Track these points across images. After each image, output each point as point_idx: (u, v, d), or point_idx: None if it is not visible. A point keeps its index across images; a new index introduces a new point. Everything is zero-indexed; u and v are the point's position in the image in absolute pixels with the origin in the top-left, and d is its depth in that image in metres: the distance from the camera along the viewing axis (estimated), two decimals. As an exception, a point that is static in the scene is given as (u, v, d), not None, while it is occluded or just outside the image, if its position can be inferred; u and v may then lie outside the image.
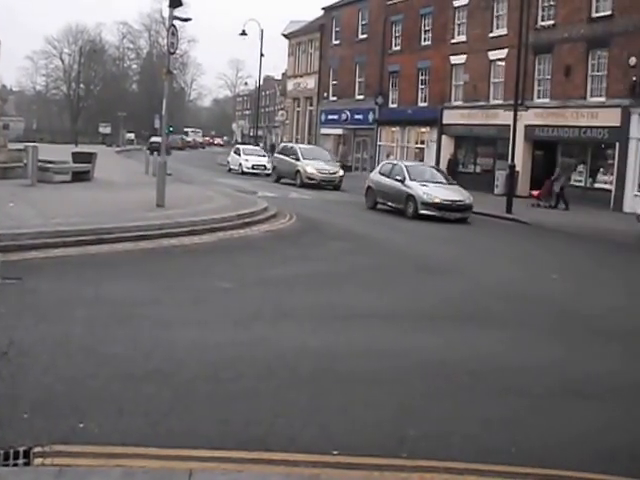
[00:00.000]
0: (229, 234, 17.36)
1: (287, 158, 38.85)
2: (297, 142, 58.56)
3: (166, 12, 22.64)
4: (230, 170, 47.54)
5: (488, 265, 16.29)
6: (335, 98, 57.17)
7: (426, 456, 5.52)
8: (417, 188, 24.93)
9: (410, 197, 24.88)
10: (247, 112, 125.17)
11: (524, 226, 25.26)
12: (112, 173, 31.78)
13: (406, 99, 47.80)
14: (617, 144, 32.31)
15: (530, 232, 23.84)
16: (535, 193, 32.90)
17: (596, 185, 34.21)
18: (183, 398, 6.31)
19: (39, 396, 6.10)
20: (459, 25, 43.20)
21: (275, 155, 42.43)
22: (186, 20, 26.64)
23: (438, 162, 41.71)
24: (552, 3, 36.31)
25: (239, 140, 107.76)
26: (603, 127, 32.80)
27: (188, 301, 10.32)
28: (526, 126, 35.88)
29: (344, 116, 54.50)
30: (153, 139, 65.39)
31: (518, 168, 33.47)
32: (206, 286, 11.50)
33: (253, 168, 45.55)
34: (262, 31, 58.14)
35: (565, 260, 18.20)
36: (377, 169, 29.33)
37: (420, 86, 46.79)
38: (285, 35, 68.02)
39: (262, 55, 59.12)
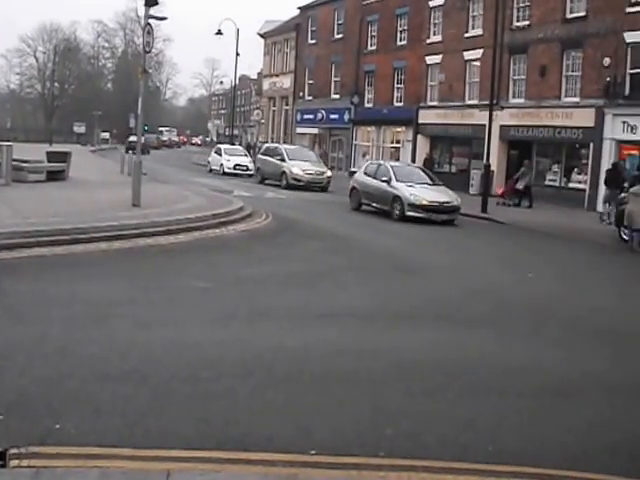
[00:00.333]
0: (205, 233, 17.30)
1: (272, 159, 38.10)
2: (272, 141, 58.49)
3: (141, 11, 22.66)
4: (211, 171, 46.75)
5: (467, 265, 16.33)
6: (311, 97, 57.19)
7: (404, 455, 5.53)
8: (404, 189, 24.53)
9: (396, 198, 24.51)
10: (222, 111, 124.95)
11: (501, 226, 25.36)
12: (87, 172, 31.62)
13: (382, 99, 47.90)
14: (591, 144, 32.58)
15: (507, 232, 23.93)
16: (500, 191, 33.15)
17: (570, 185, 34.45)
18: (160, 398, 6.29)
19: (15, 397, 6.05)
20: (435, 25, 43.35)
21: (259, 156, 41.49)
22: (162, 19, 26.59)
23: (414, 162, 41.73)
24: (527, 4, 36.53)
25: (214, 139, 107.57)
26: (577, 127, 33.06)
27: (164, 301, 10.29)
28: (501, 126, 36.08)
29: (320, 116, 54.51)
30: (132, 138, 65.08)
31: (493, 168, 33.61)
32: (182, 286, 11.46)
33: (235, 168, 44.81)
34: (238, 30, 58.07)
35: (544, 260, 18.27)
36: (361, 169, 28.89)
37: (396, 86, 46.92)
38: (261, 34, 67.94)
39: (238, 54, 58.99)
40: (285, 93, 62.36)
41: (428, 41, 43.46)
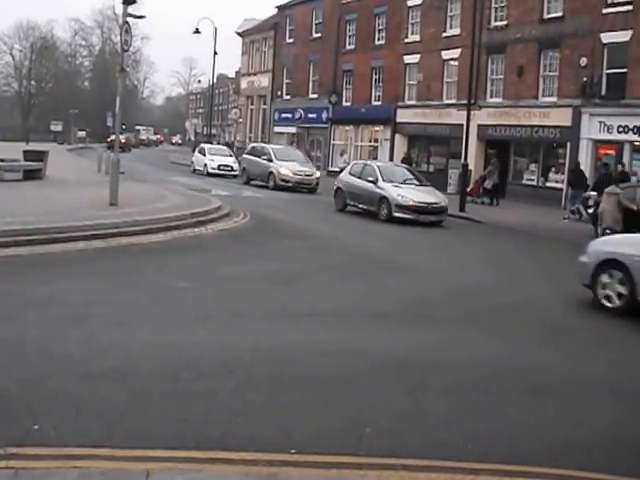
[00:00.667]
0: (183, 233, 17.26)
1: (258, 159, 36.99)
2: (250, 140, 58.36)
3: (119, 9, 22.51)
4: (194, 171, 45.50)
5: (449, 265, 16.35)
6: (289, 97, 57.12)
7: (383, 454, 5.56)
8: (391, 190, 24.08)
9: (383, 199, 24.05)
10: (200, 110, 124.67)
11: (479, 225, 25.43)
12: (64, 171, 31.46)
13: (360, 98, 47.92)
14: (568, 144, 32.76)
15: (486, 231, 24.02)
16: (468, 189, 33.34)
17: (548, 184, 34.62)
18: (140, 398, 6.28)
19: (-7, 398, 6.03)
20: (413, 25, 43.38)
21: (244, 156, 40.19)
22: (140, 17, 26.41)
23: (391, 161, 41.78)
24: (505, 4, 36.66)
25: (192, 138, 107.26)
26: (555, 127, 33.25)
27: (143, 300, 10.27)
28: (479, 125, 36.18)
29: (298, 115, 54.42)
30: (113, 137, 64.60)
31: (471, 167, 33.71)
32: (161, 285, 11.44)
33: (219, 169, 43.46)
34: (216, 29, 57.93)
35: (524, 259, 18.35)
36: (347, 169, 28.20)
37: (374, 85, 46.93)
38: (239, 33, 67.81)
39: (216, 53, 58.85)
40: (263, 92, 62.25)
41: (406, 40, 43.50)
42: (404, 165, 32.47)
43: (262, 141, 54.30)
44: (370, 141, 48.46)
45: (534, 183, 35.26)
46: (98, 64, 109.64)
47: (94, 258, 13.62)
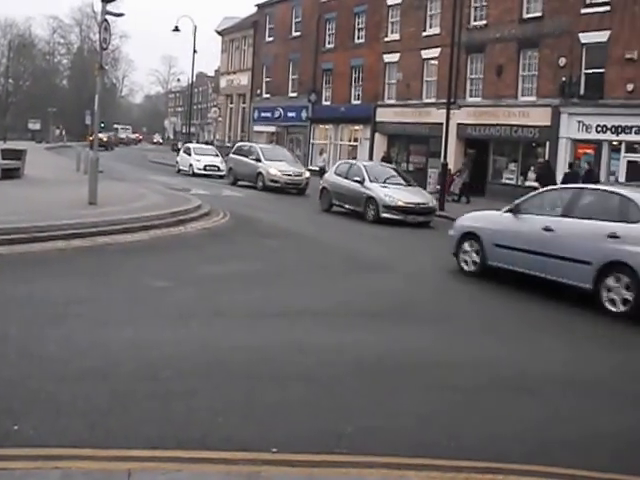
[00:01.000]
0: (163, 232, 17.20)
1: (245, 159, 36.13)
2: (230, 139, 58.25)
3: (97, 6, 22.36)
4: (179, 171, 44.48)
5: (432, 265, 16.35)
6: (268, 95, 57.09)
7: (364, 452, 5.56)
8: (378, 190, 23.74)
9: (370, 199, 23.69)
10: (179, 109, 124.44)
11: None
12: (43, 170, 31.26)
13: (339, 97, 47.97)
14: (547, 143, 32.95)
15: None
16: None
17: (527, 183, 34.64)
18: (121, 398, 6.25)
19: (-28, 398, 5.99)
20: (392, 24, 43.46)
21: (231, 155, 39.22)
22: (119, 15, 26.18)
23: (371, 160, 41.82)
24: (484, 3, 36.81)
25: (172, 137, 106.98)
26: (534, 126, 33.42)
27: (123, 300, 10.22)
28: (458, 124, 36.33)
29: (277, 113, 54.41)
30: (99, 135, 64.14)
31: (450, 166, 33.79)
32: (141, 284, 11.40)
33: (205, 169, 42.59)
34: (195, 27, 57.78)
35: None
36: (332, 169, 27.97)
37: (353, 84, 47.00)
38: (218, 32, 67.70)
39: (195, 52, 58.75)
40: (243, 91, 62.18)
41: (386, 39, 43.58)
42: (391, 165, 32.27)
43: (242, 140, 54.13)
44: (350, 140, 48.51)
45: (513, 182, 35.37)
46: (76, 62, 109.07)
47: (73, 257, 13.56)
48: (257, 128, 58.36)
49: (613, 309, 11.55)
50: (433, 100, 39.18)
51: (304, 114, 51.46)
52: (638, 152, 29.51)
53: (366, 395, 6.94)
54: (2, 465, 4.82)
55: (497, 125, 35.36)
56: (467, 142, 37.94)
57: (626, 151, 29.84)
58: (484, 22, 36.62)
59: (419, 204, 23.88)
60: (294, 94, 53.38)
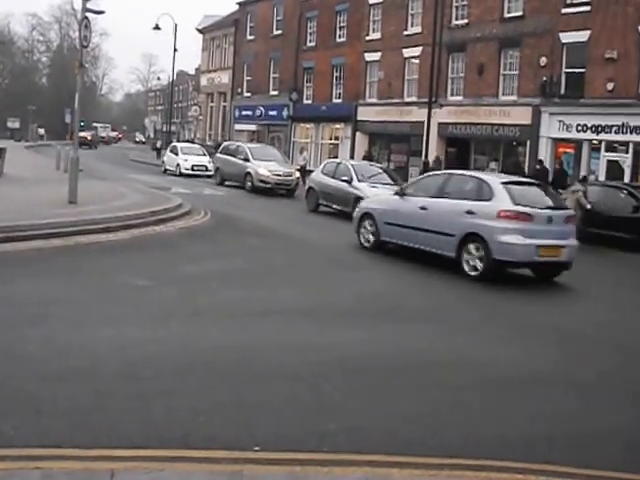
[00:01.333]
0: (143, 231, 17.15)
1: (233, 159, 35.17)
2: (210, 138, 58.06)
3: (77, 4, 22.25)
4: (166, 171, 43.71)
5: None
6: (249, 94, 56.98)
7: (347, 450, 5.56)
8: (366, 190, 23.01)
9: (359, 199, 22.20)
10: (160, 107, 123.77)
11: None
12: (22, 169, 31.12)
13: (321, 95, 47.93)
14: (528, 142, 33.07)
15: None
16: None
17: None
18: (102, 398, 6.21)
19: (-49, 399, 5.94)
20: (374, 22, 43.44)
21: (218, 155, 38.29)
22: (99, 13, 26.18)
23: (352, 159, 41.83)
24: (465, 3, 36.84)
25: (152, 136, 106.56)
26: (515, 125, 33.51)
27: (103, 299, 10.17)
28: (439, 123, 36.44)
29: (258, 112, 54.29)
30: (81, 134, 63.89)
31: (431, 165, 33.86)
32: (121, 284, 11.35)
33: (193, 169, 41.88)
34: (176, 26, 57.63)
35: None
36: (319, 168, 27.60)
37: (335, 83, 46.95)
38: (199, 30, 67.52)
39: (176, 50, 58.60)
40: (223, 89, 62.05)
41: (367, 38, 43.56)
42: (378, 164, 31.90)
43: (223, 138, 53.95)
44: (331, 139, 48.48)
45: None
46: (56, 60, 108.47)
47: (53, 257, 13.48)
48: (238, 127, 58.22)
49: (472, 273, 14.07)
50: (414, 99, 39.23)
51: (285, 113, 51.37)
52: (618, 151, 29.67)
53: (349, 394, 6.92)
54: (-18, 466, 4.79)
55: (478, 124, 35.43)
56: (448, 141, 38.01)
57: (606, 150, 29.97)
58: (465, 21, 36.68)
59: None
60: (275, 93, 53.30)
